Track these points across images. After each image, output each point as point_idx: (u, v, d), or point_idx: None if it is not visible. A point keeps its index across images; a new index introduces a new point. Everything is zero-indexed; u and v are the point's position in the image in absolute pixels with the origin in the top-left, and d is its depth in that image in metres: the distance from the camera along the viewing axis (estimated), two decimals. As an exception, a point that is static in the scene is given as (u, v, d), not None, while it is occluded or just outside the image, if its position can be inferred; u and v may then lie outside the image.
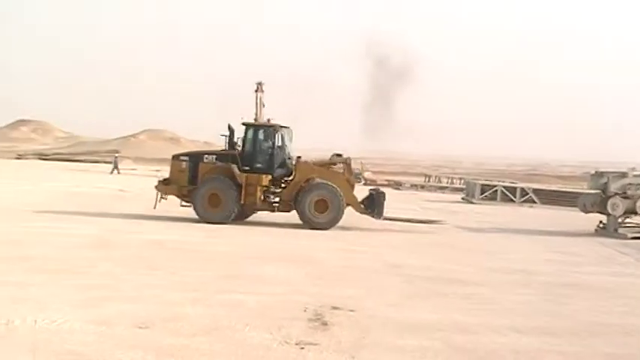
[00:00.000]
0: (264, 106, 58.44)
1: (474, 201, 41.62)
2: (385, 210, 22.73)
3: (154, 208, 22.38)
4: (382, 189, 24.51)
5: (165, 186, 22.82)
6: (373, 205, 22.56)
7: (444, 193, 53.36)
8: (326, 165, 23.33)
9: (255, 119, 52.24)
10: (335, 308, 10.30)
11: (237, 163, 21.91)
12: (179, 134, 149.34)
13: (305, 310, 10.08)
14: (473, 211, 34.31)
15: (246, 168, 21.94)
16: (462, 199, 44.48)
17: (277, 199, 22.27)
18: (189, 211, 22.06)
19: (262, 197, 21.98)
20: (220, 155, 22.48)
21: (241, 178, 21.63)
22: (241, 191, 21.59)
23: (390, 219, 22.86)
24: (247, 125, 22.86)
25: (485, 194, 42.16)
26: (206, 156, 22.70)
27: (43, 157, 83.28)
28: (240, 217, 22.61)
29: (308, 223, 21.66)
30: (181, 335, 8.40)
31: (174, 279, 12.07)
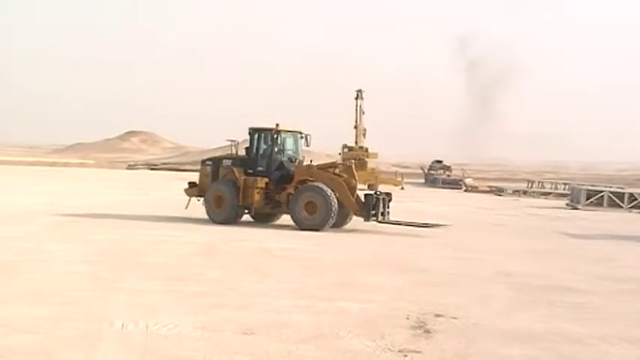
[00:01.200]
0: (363, 113, 58.62)
1: (578, 207, 40.49)
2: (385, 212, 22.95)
3: (186, 208, 23.97)
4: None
5: (190, 189, 24.33)
6: (374, 207, 22.46)
7: (547, 199, 52.19)
8: (327, 168, 23.75)
9: (355, 126, 52.55)
10: (438, 316, 10.25)
11: (244, 167, 23.12)
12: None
13: (408, 318, 10.08)
14: (578, 217, 33.40)
15: (250, 171, 23.03)
16: (567, 205, 43.38)
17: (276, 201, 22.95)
18: (282, 220, 22.96)
19: (261, 199, 22.75)
20: (234, 160, 23.73)
21: (240, 181, 22.75)
22: (239, 193, 22.57)
23: (390, 222, 22.92)
24: (252, 130, 23.66)
25: (591, 200, 40.94)
26: (224, 160, 23.87)
27: (152, 167, 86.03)
28: (267, 219, 23.58)
29: (299, 225, 22.17)
30: (286, 342, 8.54)
31: (281, 286, 12.26)
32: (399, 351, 8.33)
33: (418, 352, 8.34)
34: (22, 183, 42.15)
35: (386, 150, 74.89)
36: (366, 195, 22.88)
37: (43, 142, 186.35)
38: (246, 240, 18.77)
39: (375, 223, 22.59)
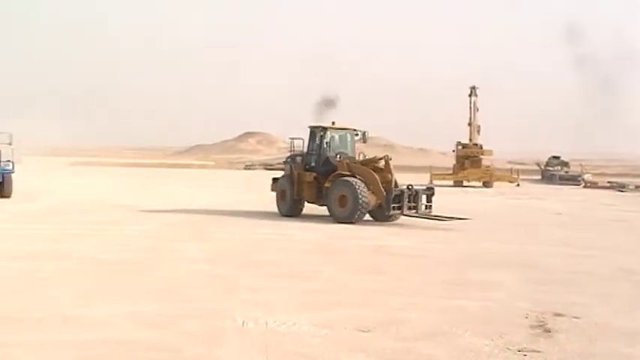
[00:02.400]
0: (477, 110, 57.75)
1: None
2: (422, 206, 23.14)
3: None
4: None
5: (274, 184, 25.86)
6: (398, 201, 22.70)
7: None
8: (368, 163, 24.06)
9: (470, 123, 51.99)
10: (558, 315, 10.04)
11: (303, 163, 24.82)
12: (394, 141, 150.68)
13: (527, 317, 9.92)
14: None
15: (306, 167, 24.60)
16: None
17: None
18: (416, 219, 22.95)
19: (312, 193, 24.20)
20: (298, 157, 25.20)
21: (294, 176, 24.52)
22: (294, 187, 24.28)
23: (410, 215, 23.02)
24: (309, 128, 25.16)
25: None
26: (297, 157, 25.20)
27: (267, 167, 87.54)
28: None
29: (334, 217, 23.08)
30: (403, 340, 8.58)
31: (398, 284, 12.29)
32: (519, 350, 8.23)
33: (538, 351, 8.21)
34: (146, 184, 43.76)
35: (501, 147, 73.64)
36: (387, 190, 22.89)
37: (165, 144, 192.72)
38: (361, 238, 18.87)
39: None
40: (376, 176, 23.09)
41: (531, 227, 23.48)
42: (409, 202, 22.81)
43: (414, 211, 23.02)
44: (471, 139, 54.69)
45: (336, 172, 23.65)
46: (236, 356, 7.74)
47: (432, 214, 23.32)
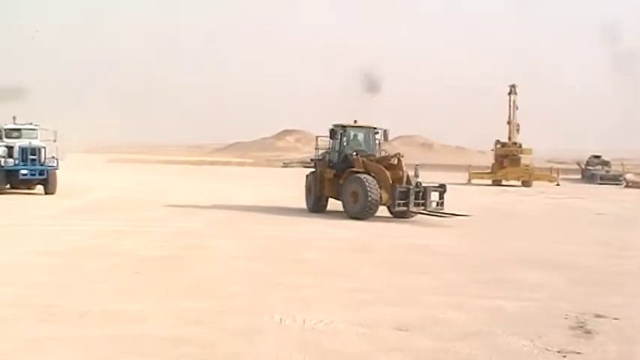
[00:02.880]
0: (517, 108, 57.15)
1: None
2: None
3: None
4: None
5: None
6: (403, 198, 22.92)
7: None
8: (381, 160, 24.41)
9: (509, 121, 51.72)
10: (599, 316, 9.93)
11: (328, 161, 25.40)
12: (432, 140, 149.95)
13: (566, 318, 9.83)
14: None
15: (329, 164, 25.15)
16: None
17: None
18: (450, 218, 22.86)
19: (332, 189, 24.61)
20: (325, 154, 25.96)
21: (317, 174, 25.30)
22: (317, 184, 24.96)
23: (417, 212, 23.27)
24: (331, 127, 25.54)
25: None
26: (326, 155, 25.81)
27: (305, 164, 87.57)
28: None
29: (347, 213, 23.50)
30: (441, 339, 8.56)
31: (436, 283, 12.27)
32: (558, 351, 8.16)
33: (578, 353, 8.14)
34: (185, 182, 44.14)
35: (541, 145, 72.83)
36: (392, 187, 23.02)
37: (205, 142, 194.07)
38: (399, 237, 18.85)
39: None
40: (387, 173, 23.33)
41: (571, 227, 23.28)
42: (416, 199, 22.97)
43: (423, 207, 23.16)
44: (510, 138, 54.18)
45: (351, 169, 24.04)
46: (273, 353, 7.79)
47: (442, 211, 23.39)
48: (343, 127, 25.38)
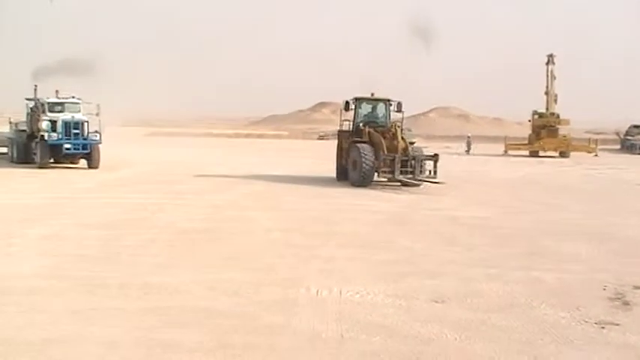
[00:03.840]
0: (554, 78, 56.28)
1: None
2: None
3: None
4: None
5: None
6: (389, 165, 23.81)
7: None
8: (384, 132, 25.06)
9: (546, 92, 51.62)
10: (637, 288, 9.86)
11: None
12: (468, 111, 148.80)
13: (605, 289, 9.78)
14: None
15: (347, 135, 26.10)
16: None
17: None
18: (486, 190, 22.37)
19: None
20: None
21: (338, 144, 26.55)
22: (339, 154, 26.33)
23: (401, 180, 24.05)
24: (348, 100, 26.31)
25: None
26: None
27: (354, 139, 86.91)
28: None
29: (350, 181, 24.60)
30: (478, 311, 8.57)
31: (472, 255, 12.24)
32: (596, 323, 8.13)
33: (616, 324, 8.10)
34: (223, 155, 44.35)
35: (579, 116, 71.81)
36: (377, 155, 23.93)
37: (241, 115, 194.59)
38: (434, 209, 18.79)
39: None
40: (383, 142, 24.22)
41: (609, 198, 23.01)
42: (404, 167, 23.72)
43: (411, 176, 23.83)
44: (547, 108, 53.48)
45: (354, 139, 25.08)
46: (310, 325, 7.86)
47: (421, 178, 24.03)
48: (357, 99, 26.27)
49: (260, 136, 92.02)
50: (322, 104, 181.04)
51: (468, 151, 53.58)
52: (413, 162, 23.84)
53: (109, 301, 8.71)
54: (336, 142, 27.22)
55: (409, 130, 27.39)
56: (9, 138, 32.83)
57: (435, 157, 24.28)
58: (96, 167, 29.00)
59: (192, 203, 18.47)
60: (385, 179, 24.43)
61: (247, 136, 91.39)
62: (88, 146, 29.08)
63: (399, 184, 24.35)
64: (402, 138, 24.46)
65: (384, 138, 24.45)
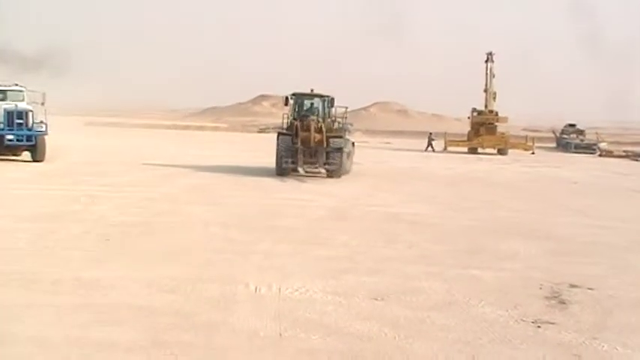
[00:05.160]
0: (493, 76, 57.21)
1: None
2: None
3: None
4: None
5: None
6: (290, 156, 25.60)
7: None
8: (306, 125, 25.99)
9: (485, 89, 52.96)
10: (573, 286, 9.98)
11: None
12: (407, 106, 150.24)
13: (541, 288, 9.87)
14: None
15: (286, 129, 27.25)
16: None
17: None
18: (428, 186, 22.40)
19: None
20: None
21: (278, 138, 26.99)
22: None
23: (305, 170, 26.12)
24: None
25: None
26: None
27: (277, 131, 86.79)
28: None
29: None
30: (417, 309, 8.55)
31: (412, 252, 12.26)
32: (533, 322, 8.18)
33: (552, 323, 8.16)
34: (160, 146, 43.74)
35: (516, 113, 72.99)
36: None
37: (181, 106, 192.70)
38: (375, 205, 18.81)
39: None
40: (300, 135, 25.47)
41: (546, 196, 23.43)
42: (304, 157, 25.59)
43: (314, 166, 25.92)
44: (486, 106, 54.22)
45: (279, 132, 26.97)
46: (249, 322, 7.72)
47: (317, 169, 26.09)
48: (294, 95, 27.59)
49: (199, 128, 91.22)
50: (263, 97, 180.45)
51: (427, 149, 53.17)
52: (316, 153, 25.50)
53: (41, 297, 8.42)
54: (275, 135, 27.37)
55: (350, 125, 28.48)
56: None
57: (341, 150, 25.68)
58: (41, 160, 26.97)
59: (128, 196, 18.11)
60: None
61: (186, 127, 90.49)
62: (33, 138, 26.86)
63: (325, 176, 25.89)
64: (319, 131, 25.54)
65: (305, 131, 25.54)
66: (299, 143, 25.39)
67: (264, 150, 31.98)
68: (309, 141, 25.43)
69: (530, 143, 55.14)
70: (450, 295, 9.25)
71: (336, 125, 27.01)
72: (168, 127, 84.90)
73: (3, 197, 17.08)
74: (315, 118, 26.07)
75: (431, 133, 56.44)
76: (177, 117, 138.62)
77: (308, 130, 25.64)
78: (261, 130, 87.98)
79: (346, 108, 27.75)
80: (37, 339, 6.94)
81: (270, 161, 27.03)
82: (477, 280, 10.26)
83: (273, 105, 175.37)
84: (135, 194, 18.53)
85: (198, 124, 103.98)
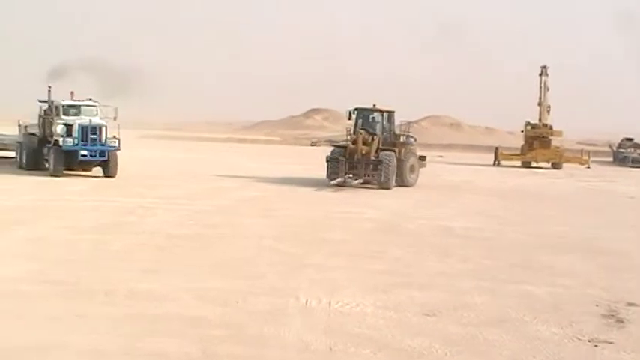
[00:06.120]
0: (548, 89, 56.47)
1: None
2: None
3: None
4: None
5: None
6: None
7: None
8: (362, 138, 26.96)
9: (539, 103, 52.83)
10: (631, 304, 9.75)
11: None
12: (460, 120, 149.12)
13: (597, 305, 9.65)
14: None
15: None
16: None
17: None
18: (477, 200, 22.20)
19: None
20: None
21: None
22: None
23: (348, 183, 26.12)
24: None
25: None
26: None
27: (333, 143, 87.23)
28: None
29: None
30: (469, 324, 8.44)
31: (465, 267, 12.12)
32: (589, 340, 8.00)
33: (609, 342, 7.97)
34: (215, 159, 44.14)
35: (571, 127, 71.83)
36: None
37: (233, 120, 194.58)
38: (427, 218, 18.68)
39: None
40: (349, 147, 26.67)
41: (603, 211, 22.97)
42: (348, 168, 26.28)
43: (356, 178, 26.10)
44: (540, 120, 53.51)
45: (334, 144, 28.37)
46: (298, 336, 7.72)
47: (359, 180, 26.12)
48: (356, 109, 28.20)
49: (253, 141, 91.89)
50: (314, 110, 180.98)
51: (495, 163, 52.73)
52: (358, 165, 26.19)
53: (94, 307, 8.54)
54: (328, 149, 28.04)
55: (413, 139, 29.51)
56: (18, 142, 29.83)
57: (382, 163, 25.96)
58: (113, 176, 26.27)
59: (182, 208, 18.30)
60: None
61: (240, 141, 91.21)
62: (106, 153, 26.26)
63: (388, 189, 25.74)
64: (366, 144, 26.36)
65: (354, 144, 26.50)
66: (346, 155, 26.29)
67: (316, 163, 32.02)
68: (357, 153, 26.24)
69: (585, 157, 54.15)
70: (502, 311, 9.11)
71: (402, 139, 28.08)
72: (224, 141, 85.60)
73: (61, 209, 17.40)
74: (363, 131, 26.84)
75: (497, 148, 55.86)
76: (231, 130, 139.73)
77: (356, 142, 26.41)
78: (313, 144, 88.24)
79: (409, 122, 29.34)
80: (90, 349, 7.04)
81: (321, 174, 27.08)
82: (531, 295, 10.09)
83: (325, 118, 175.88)
84: (189, 206, 18.72)
85: (251, 137, 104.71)
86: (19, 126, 30.44)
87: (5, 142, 31.63)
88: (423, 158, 29.70)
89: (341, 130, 28.27)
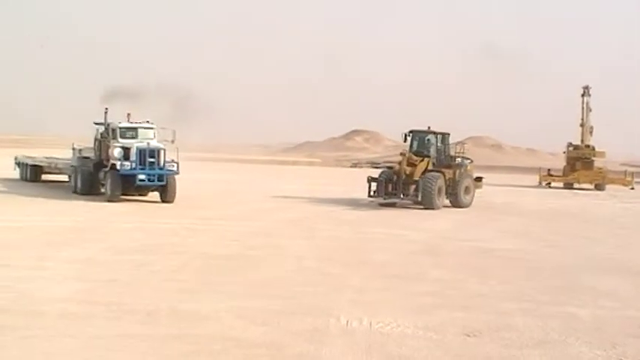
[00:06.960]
0: (590, 110, 55.88)
1: None
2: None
3: None
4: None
5: None
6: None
7: None
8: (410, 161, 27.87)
9: (582, 124, 52.82)
10: (676, 327, 9.60)
11: None
12: (502, 141, 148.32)
13: (642, 328, 9.53)
14: None
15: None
16: None
17: None
18: (522, 221, 22.04)
19: None
20: None
21: None
22: None
23: (389, 201, 27.36)
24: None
25: None
26: None
27: (374, 165, 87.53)
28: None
29: None
30: (510, 346, 8.39)
31: (506, 288, 12.04)
32: (632, 363, 7.91)
33: (653, 364, 7.88)
34: (256, 181, 44.44)
35: (614, 148, 70.91)
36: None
37: (274, 141, 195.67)
38: (469, 240, 18.60)
39: None
40: (395, 170, 27.55)
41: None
42: (393, 189, 27.06)
43: (395, 196, 27.01)
44: (582, 140, 52.99)
45: (385, 164, 28.95)
46: (339, 356, 7.75)
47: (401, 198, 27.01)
48: (411, 132, 29.11)
49: (294, 162, 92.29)
50: (355, 132, 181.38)
51: (543, 183, 52.82)
52: (397, 185, 26.89)
53: (137, 327, 8.67)
54: (370, 171, 28.43)
55: (469, 160, 29.76)
56: (72, 166, 28.96)
57: (417, 182, 26.69)
58: (171, 201, 25.58)
59: (224, 229, 18.48)
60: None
61: (281, 162, 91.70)
62: (164, 177, 25.45)
63: (433, 209, 26.31)
64: (411, 164, 27.21)
65: (405, 165, 27.13)
66: (392, 176, 27.08)
67: (357, 184, 32.12)
68: (399, 174, 26.93)
69: (629, 178, 53.44)
70: (544, 333, 9.05)
71: (457, 160, 28.89)
72: (265, 162, 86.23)
73: (105, 230, 17.67)
74: (407, 153, 27.51)
75: (549, 170, 55.59)
76: (272, 152, 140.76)
77: (401, 163, 27.05)
78: (354, 165, 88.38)
79: (463, 144, 31.02)
80: (134, 368, 7.15)
81: (362, 195, 27.13)
82: (573, 317, 10.00)
83: (366, 140, 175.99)
84: (231, 227, 18.90)
85: (293, 158, 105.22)
86: (74, 149, 29.70)
87: (59, 166, 31.25)
88: (479, 179, 30.04)
89: (381, 151, 28.21)
